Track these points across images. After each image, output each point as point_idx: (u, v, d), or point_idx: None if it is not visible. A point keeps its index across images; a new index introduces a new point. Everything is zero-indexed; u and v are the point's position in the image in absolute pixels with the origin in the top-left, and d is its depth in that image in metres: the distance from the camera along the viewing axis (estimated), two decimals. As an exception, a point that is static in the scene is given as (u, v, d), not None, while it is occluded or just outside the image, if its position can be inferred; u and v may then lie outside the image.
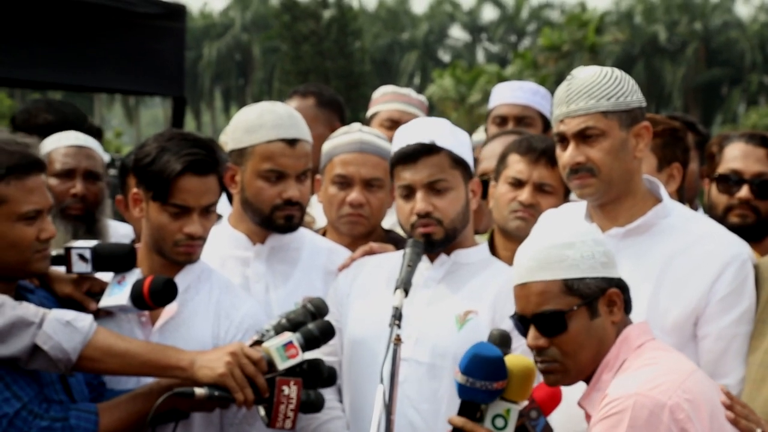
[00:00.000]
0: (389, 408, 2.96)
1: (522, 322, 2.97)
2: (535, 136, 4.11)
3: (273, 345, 3.20)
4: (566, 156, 3.37)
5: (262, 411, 3.22)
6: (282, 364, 3.19)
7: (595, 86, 3.34)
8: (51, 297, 3.39)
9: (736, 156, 4.10)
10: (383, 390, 2.95)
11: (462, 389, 2.95)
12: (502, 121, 5.17)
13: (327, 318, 3.41)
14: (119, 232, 4.70)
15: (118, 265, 3.41)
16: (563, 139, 3.39)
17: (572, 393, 3.05)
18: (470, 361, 2.92)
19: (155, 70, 6.88)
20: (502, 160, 4.06)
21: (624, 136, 3.36)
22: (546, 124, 5.14)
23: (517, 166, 4.00)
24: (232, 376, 3.15)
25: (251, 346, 3.26)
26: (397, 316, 3.06)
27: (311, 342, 3.24)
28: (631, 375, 2.86)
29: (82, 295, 3.41)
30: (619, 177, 3.37)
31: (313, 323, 3.27)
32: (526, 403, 3.01)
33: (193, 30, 62.84)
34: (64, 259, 3.41)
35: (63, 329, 3.11)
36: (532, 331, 2.94)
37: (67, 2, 6.43)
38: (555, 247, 2.94)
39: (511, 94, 5.25)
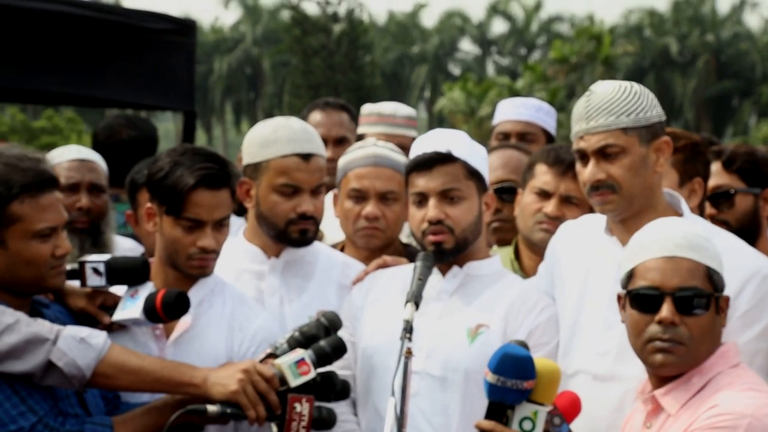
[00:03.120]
0: (401, 421, 2.96)
1: (653, 296, 2.96)
2: (563, 147, 4.10)
3: (285, 362, 3.21)
4: (587, 173, 3.36)
5: (274, 428, 3.22)
6: (294, 381, 3.20)
7: (615, 102, 3.32)
8: (66, 311, 3.40)
9: None
10: (395, 403, 2.95)
11: (492, 389, 2.93)
12: (505, 137, 5.17)
13: (341, 331, 3.42)
14: (124, 246, 4.71)
15: (131, 278, 3.42)
16: (583, 156, 3.38)
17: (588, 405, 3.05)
18: (501, 360, 2.92)
19: (166, 84, 6.90)
20: (529, 169, 4.06)
21: (644, 152, 3.35)
22: (549, 140, 5.13)
23: (544, 177, 4.00)
24: (245, 393, 3.15)
25: (264, 359, 3.27)
26: (408, 329, 3.06)
27: (323, 359, 3.25)
28: (744, 394, 2.89)
29: (96, 309, 3.42)
30: (640, 192, 3.36)
31: (325, 340, 3.28)
32: (551, 406, 2.99)
33: (204, 44, 63.08)
34: (78, 273, 3.43)
35: (77, 346, 3.12)
36: (668, 305, 2.94)
37: (78, 18, 6.45)
38: (698, 236, 3.01)
39: (514, 110, 5.25)
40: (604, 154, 3.33)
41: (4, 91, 7.36)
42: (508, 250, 4.17)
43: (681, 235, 2.99)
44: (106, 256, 3.46)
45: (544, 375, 2.95)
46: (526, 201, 4.03)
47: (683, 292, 2.95)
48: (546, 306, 3.52)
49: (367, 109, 5.60)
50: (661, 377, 3.01)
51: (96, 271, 3.41)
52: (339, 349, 3.28)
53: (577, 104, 3.41)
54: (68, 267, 3.36)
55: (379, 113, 5.50)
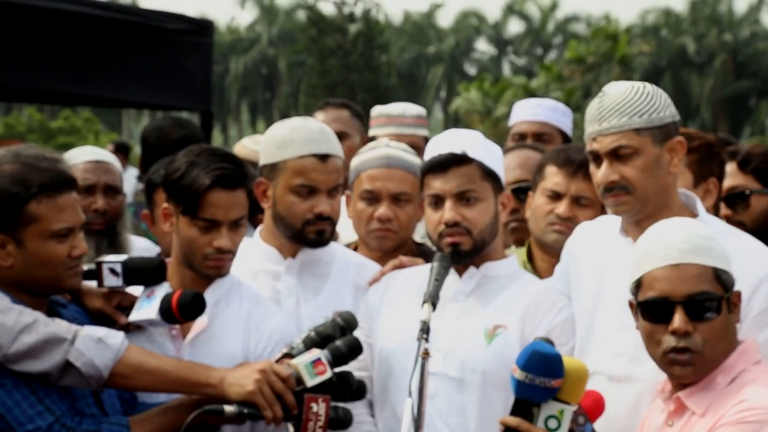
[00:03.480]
0: (418, 422, 2.96)
1: (663, 306, 2.95)
2: (572, 147, 4.09)
3: (301, 362, 3.21)
4: (600, 174, 3.35)
5: (290, 428, 3.23)
6: (310, 381, 3.20)
7: (627, 103, 3.31)
8: (82, 311, 3.41)
9: None
10: (411, 403, 2.95)
11: (519, 386, 2.92)
12: (521, 138, 5.17)
13: (357, 332, 3.42)
14: (139, 246, 4.73)
15: (148, 278, 3.44)
16: (597, 157, 3.37)
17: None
18: (530, 358, 2.90)
19: (183, 85, 6.93)
20: (540, 170, 4.05)
21: (658, 153, 3.34)
22: (566, 141, 5.12)
23: (554, 178, 3.99)
24: (261, 393, 3.16)
25: (280, 358, 3.28)
26: (425, 330, 3.06)
27: (339, 359, 3.25)
28: None
29: (113, 309, 3.43)
30: (654, 193, 3.34)
31: (341, 340, 3.28)
32: (577, 405, 2.98)
33: (220, 44, 63.16)
34: (95, 274, 3.44)
35: (95, 346, 3.13)
36: (680, 315, 2.93)
37: (96, 18, 6.48)
38: (701, 237, 2.98)
39: (530, 111, 5.25)
40: (617, 155, 3.32)
41: (22, 91, 7.41)
42: (521, 252, 4.17)
43: (684, 240, 2.96)
44: (122, 257, 3.48)
45: (572, 374, 2.94)
46: (537, 203, 4.02)
47: (693, 299, 2.93)
48: (563, 306, 3.51)
49: (376, 111, 5.59)
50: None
51: (113, 271, 3.42)
52: (355, 349, 3.29)
53: (590, 106, 3.39)
54: (85, 267, 3.37)
55: (388, 114, 5.49)
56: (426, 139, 5.29)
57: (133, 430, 3.19)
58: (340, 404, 3.30)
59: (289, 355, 3.27)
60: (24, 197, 3.16)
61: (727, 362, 2.96)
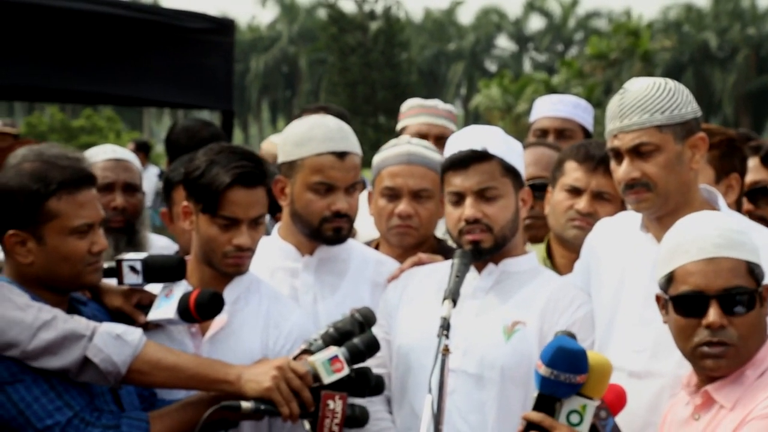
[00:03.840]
0: (438, 418, 2.95)
1: (698, 300, 2.93)
2: (592, 143, 4.08)
3: (319, 359, 3.22)
4: (621, 172, 3.34)
5: (307, 425, 3.23)
6: (327, 378, 3.20)
7: (649, 99, 3.30)
8: (102, 309, 3.43)
9: None
10: (431, 400, 2.95)
11: (544, 382, 2.90)
12: (543, 134, 5.16)
13: (376, 329, 3.42)
14: (158, 244, 4.75)
15: (168, 276, 3.45)
16: (618, 154, 3.36)
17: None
18: (555, 354, 2.88)
19: (204, 83, 6.94)
20: (559, 166, 4.04)
21: (679, 149, 3.32)
22: (587, 137, 5.11)
23: (574, 173, 3.98)
24: (278, 390, 3.16)
25: (299, 355, 3.28)
26: (445, 326, 3.05)
27: (356, 356, 3.25)
28: None
29: (132, 308, 3.44)
30: (676, 190, 3.33)
31: (358, 338, 3.28)
32: (600, 401, 2.96)
33: (241, 43, 63.30)
34: (116, 272, 3.46)
35: (113, 342, 3.14)
36: (714, 309, 2.91)
37: (118, 18, 6.51)
38: (734, 231, 2.97)
39: (551, 107, 5.24)
40: (638, 152, 3.30)
41: (44, 90, 7.45)
42: (540, 249, 4.16)
43: (718, 234, 2.95)
44: (142, 255, 3.49)
45: (596, 369, 2.92)
46: (557, 199, 4.01)
47: (728, 293, 2.91)
48: (582, 303, 3.50)
49: (408, 103, 5.63)
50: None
51: (133, 269, 3.43)
52: (372, 347, 3.28)
53: (611, 102, 3.38)
54: (105, 265, 3.39)
55: (421, 105, 5.53)
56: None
57: (153, 424, 3.20)
58: (358, 401, 3.30)
59: (308, 351, 3.28)
60: (44, 194, 3.18)
61: (758, 356, 2.94)
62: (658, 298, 3.08)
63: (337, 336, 3.29)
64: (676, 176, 3.32)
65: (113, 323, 3.23)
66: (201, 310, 3.33)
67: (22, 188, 3.18)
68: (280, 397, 3.16)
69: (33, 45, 6.22)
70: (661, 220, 3.38)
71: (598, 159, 3.92)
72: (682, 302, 2.95)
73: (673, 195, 3.33)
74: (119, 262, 3.45)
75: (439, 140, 5.29)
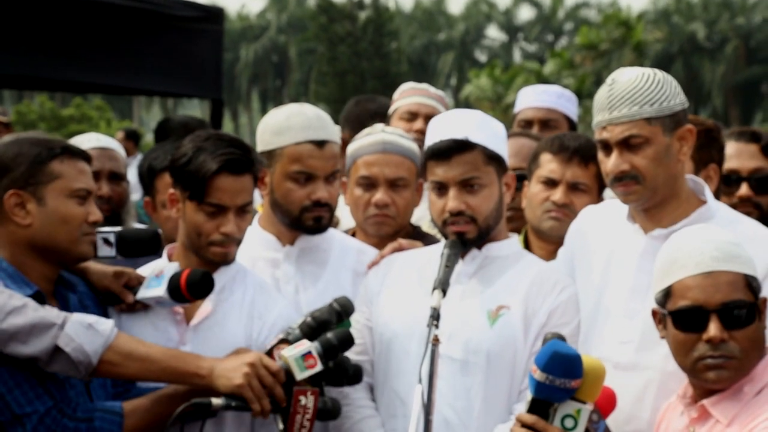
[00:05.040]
0: (428, 408, 2.95)
1: (697, 314, 2.91)
2: (567, 135, 4.09)
3: (292, 355, 3.19)
4: (610, 164, 3.32)
5: (279, 422, 3.21)
6: (300, 375, 3.18)
7: (638, 92, 3.28)
8: (91, 294, 3.43)
9: (730, 155, 4.14)
10: (422, 390, 2.94)
11: (539, 387, 2.90)
12: (527, 124, 5.15)
13: (357, 316, 3.42)
14: None
15: (142, 250, 3.45)
16: (606, 146, 3.34)
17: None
18: (550, 359, 2.87)
19: (193, 72, 6.92)
20: (534, 159, 4.04)
21: (668, 141, 3.31)
22: (572, 127, 5.11)
23: (549, 165, 3.98)
24: (250, 387, 3.14)
25: (277, 344, 3.26)
26: (435, 316, 3.05)
27: (330, 351, 3.23)
28: None
29: (120, 288, 3.44)
30: (664, 182, 3.32)
31: (332, 332, 3.26)
32: (593, 405, 2.96)
33: (230, 32, 63.12)
34: None
35: (85, 332, 3.12)
36: (715, 323, 2.89)
37: (106, 6, 6.48)
38: (730, 244, 2.95)
39: (535, 97, 5.23)
40: (627, 144, 3.29)
41: (33, 79, 7.42)
42: (518, 240, 4.17)
43: (714, 247, 2.93)
44: (116, 228, 3.48)
45: (591, 374, 2.92)
46: (533, 191, 4.01)
47: (728, 307, 2.89)
48: (565, 286, 3.50)
49: (400, 87, 5.63)
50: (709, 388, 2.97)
51: (107, 241, 3.42)
52: (346, 342, 3.26)
53: (599, 94, 3.36)
54: None
55: (413, 87, 5.54)
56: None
57: (126, 418, 3.18)
58: (335, 389, 3.29)
59: (285, 341, 3.26)
60: (47, 156, 3.24)
61: (755, 371, 2.92)
62: (654, 313, 3.06)
63: (315, 325, 3.27)
64: (664, 169, 3.31)
65: (84, 314, 3.20)
66: (192, 289, 3.32)
67: (24, 152, 3.23)
68: (252, 394, 3.14)
69: (22, 33, 6.19)
70: (648, 211, 3.38)
71: (572, 150, 3.93)
72: (681, 317, 2.94)
73: (661, 187, 3.32)
74: None
75: (429, 119, 5.30)
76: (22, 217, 3.22)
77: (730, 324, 2.90)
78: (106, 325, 3.17)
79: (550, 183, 3.97)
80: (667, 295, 2.98)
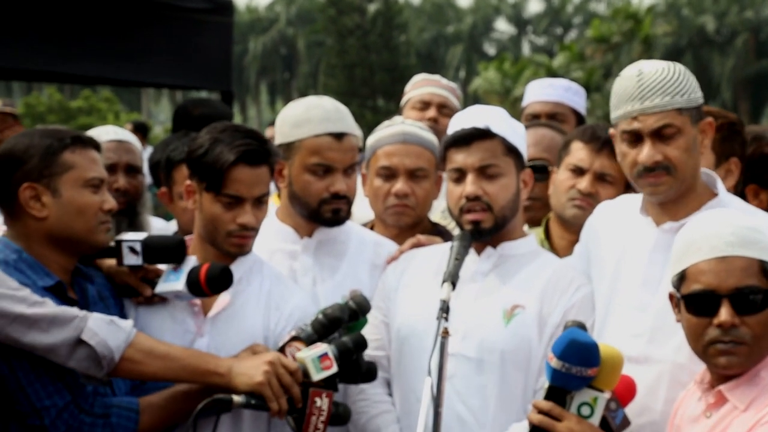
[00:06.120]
0: (437, 401, 2.95)
1: (709, 299, 2.90)
2: (600, 125, 4.07)
3: (309, 356, 3.20)
4: (644, 154, 3.29)
5: (291, 421, 3.22)
6: (317, 376, 3.19)
7: (668, 82, 3.27)
8: (108, 285, 3.44)
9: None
10: (431, 383, 2.94)
11: (555, 375, 2.90)
12: (535, 118, 5.12)
13: (374, 312, 3.42)
14: (156, 226, 4.74)
15: (168, 257, 3.44)
16: (636, 137, 3.32)
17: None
18: (567, 347, 2.87)
19: (203, 64, 6.93)
20: (565, 146, 4.05)
21: (695, 133, 3.31)
22: (579, 120, 5.10)
23: (579, 153, 3.99)
24: (269, 385, 3.14)
25: (289, 341, 3.27)
26: (445, 309, 3.05)
27: (345, 354, 3.23)
28: None
29: (138, 281, 3.45)
30: (692, 174, 3.33)
31: (347, 336, 3.27)
32: (611, 393, 2.96)
33: (239, 24, 63.10)
34: (115, 252, 3.45)
35: (107, 327, 3.13)
36: (726, 308, 2.89)
37: (116, -2, 6.48)
38: (748, 229, 2.93)
39: (542, 91, 5.22)
40: (660, 135, 3.28)
41: (42, 71, 7.42)
42: (539, 231, 4.16)
43: (731, 232, 2.91)
44: (142, 235, 3.48)
45: (608, 362, 2.92)
46: (560, 178, 4.02)
47: (740, 292, 2.88)
48: (581, 285, 3.49)
49: (413, 79, 5.64)
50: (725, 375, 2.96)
51: (132, 250, 3.43)
52: (360, 345, 3.27)
53: (623, 84, 3.33)
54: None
55: (425, 78, 5.56)
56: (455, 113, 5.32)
57: (143, 414, 3.19)
58: (349, 388, 3.28)
59: (297, 338, 3.26)
60: (59, 147, 3.24)
61: None
62: (671, 297, 3.05)
63: (327, 323, 3.26)
64: (693, 160, 3.31)
65: (103, 315, 3.19)
66: (211, 284, 3.32)
67: (36, 145, 3.24)
68: (271, 392, 3.14)
69: (31, 25, 6.19)
70: (663, 203, 3.37)
71: (603, 140, 3.92)
72: (694, 301, 2.93)
73: (688, 179, 3.32)
74: (119, 242, 3.45)
75: (441, 108, 5.31)
76: (38, 210, 3.22)
77: (743, 309, 2.88)
78: (126, 323, 3.17)
79: (578, 171, 3.97)
80: (681, 278, 2.97)
